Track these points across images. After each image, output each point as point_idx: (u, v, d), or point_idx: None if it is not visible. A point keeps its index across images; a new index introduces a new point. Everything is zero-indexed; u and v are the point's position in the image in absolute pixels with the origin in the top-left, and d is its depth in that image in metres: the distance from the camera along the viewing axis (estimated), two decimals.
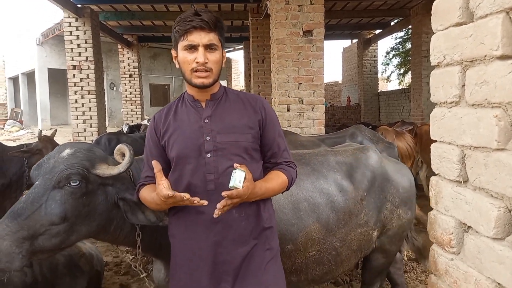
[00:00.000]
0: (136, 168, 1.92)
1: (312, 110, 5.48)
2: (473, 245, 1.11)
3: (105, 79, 13.56)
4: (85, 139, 8.28)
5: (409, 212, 2.51)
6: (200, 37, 1.51)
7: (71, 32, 8.29)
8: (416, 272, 3.87)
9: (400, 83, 19.17)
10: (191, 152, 1.58)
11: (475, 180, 1.09)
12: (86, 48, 8.29)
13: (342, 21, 11.89)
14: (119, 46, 12.75)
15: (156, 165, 1.48)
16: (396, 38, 17.31)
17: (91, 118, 8.42)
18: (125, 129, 8.13)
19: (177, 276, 1.65)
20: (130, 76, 12.86)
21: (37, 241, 1.58)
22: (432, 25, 1.24)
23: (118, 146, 1.80)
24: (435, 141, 1.29)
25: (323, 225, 2.18)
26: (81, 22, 8.25)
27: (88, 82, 8.35)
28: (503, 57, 0.96)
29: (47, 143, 4.45)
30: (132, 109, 12.97)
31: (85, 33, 8.28)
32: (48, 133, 5.32)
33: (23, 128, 18.18)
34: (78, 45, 8.28)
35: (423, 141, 6.42)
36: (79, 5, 8.26)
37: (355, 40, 16.01)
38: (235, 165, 1.45)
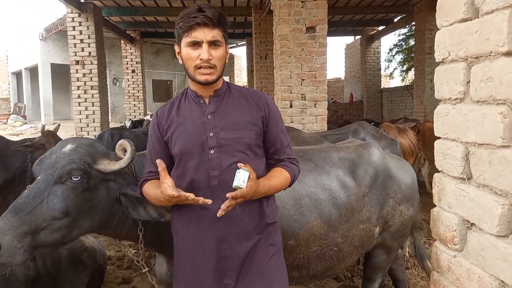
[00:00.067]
0: (138, 164, 1.92)
1: (315, 107, 5.47)
2: (476, 242, 1.11)
3: (108, 75, 13.58)
4: (88, 134, 8.30)
5: (411, 209, 2.50)
6: (204, 34, 1.50)
7: (74, 27, 8.29)
8: (418, 269, 3.87)
9: (403, 80, 19.10)
10: (194, 148, 1.57)
11: (479, 177, 1.09)
12: (89, 43, 8.29)
13: (345, 17, 11.84)
14: (122, 42, 12.74)
15: (160, 164, 1.47)
16: (399, 35, 17.22)
17: (94, 113, 8.43)
18: (127, 124, 8.13)
19: (181, 272, 1.66)
20: (133, 71, 12.86)
21: (39, 235, 1.59)
22: (437, 21, 1.24)
23: (120, 141, 1.80)
24: (438, 138, 1.28)
25: (325, 221, 2.18)
26: (84, 17, 8.25)
27: (91, 78, 8.35)
28: (508, 54, 0.95)
29: (50, 138, 4.47)
30: (134, 105, 12.98)
31: (88, 29, 8.28)
32: (51, 128, 5.32)
33: (26, 123, 18.23)
34: (81, 40, 8.28)
35: (425, 138, 6.40)
36: (82, 0, 8.27)
37: (358, 37, 15.95)
38: (239, 164, 1.44)
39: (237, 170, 1.43)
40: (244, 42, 14.03)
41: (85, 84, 8.35)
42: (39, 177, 1.65)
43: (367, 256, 2.56)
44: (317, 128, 5.44)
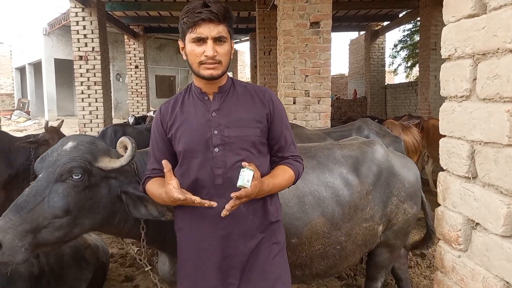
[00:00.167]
0: (140, 161, 1.91)
1: (318, 103, 5.45)
2: (481, 243, 1.10)
3: (111, 70, 13.59)
4: (91, 130, 8.31)
5: (415, 207, 2.49)
6: (209, 30, 1.47)
7: (77, 22, 8.27)
8: (421, 268, 3.86)
9: (407, 76, 19.03)
10: (199, 146, 1.56)
11: (484, 177, 1.07)
12: (92, 38, 8.28)
13: (349, 13, 11.77)
14: (125, 37, 12.75)
15: (166, 165, 1.46)
16: (404, 31, 17.15)
17: (97, 109, 8.43)
18: (131, 120, 8.15)
19: (184, 270, 1.65)
20: (136, 67, 12.86)
21: (40, 234, 1.58)
22: (444, 16, 1.22)
23: (121, 139, 1.80)
24: (443, 135, 1.27)
25: (328, 219, 2.17)
26: (87, 12, 8.23)
27: (95, 73, 8.35)
28: None
29: (53, 134, 4.48)
30: (138, 101, 12.98)
31: (91, 24, 8.26)
32: (54, 124, 5.33)
33: (30, 119, 18.31)
34: (85, 36, 8.27)
35: (429, 135, 6.37)
36: None
37: (362, 32, 15.88)
38: (243, 163, 1.42)
39: (241, 169, 1.42)
40: (248, 38, 14.00)
41: (88, 79, 8.35)
42: (40, 175, 1.65)
43: (370, 254, 2.55)
44: (320, 125, 5.42)
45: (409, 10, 11.46)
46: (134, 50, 12.83)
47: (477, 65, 1.08)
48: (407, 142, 5.17)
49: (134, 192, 1.73)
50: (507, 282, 0.99)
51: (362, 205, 2.26)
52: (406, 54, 17.85)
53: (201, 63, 1.50)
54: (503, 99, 0.98)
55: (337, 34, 17.96)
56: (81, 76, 8.35)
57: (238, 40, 16.50)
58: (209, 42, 1.47)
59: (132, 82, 12.96)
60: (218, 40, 1.49)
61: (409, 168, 2.52)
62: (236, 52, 22.02)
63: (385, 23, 13.58)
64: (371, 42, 14.33)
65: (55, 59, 17.39)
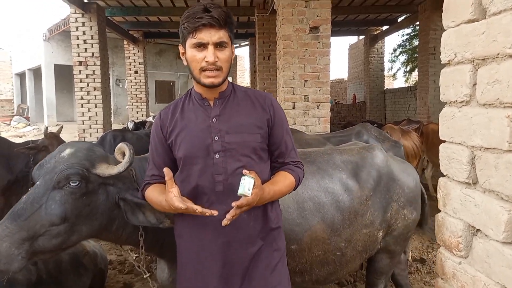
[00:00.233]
0: (139, 167, 1.90)
1: (318, 108, 5.45)
2: (481, 249, 1.09)
3: (111, 75, 13.59)
4: (90, 136, 8.30)
5: (414, 213, 2.48)
6: (210, 35, 1.45)
7: (77, 27, 8.29)
8: (421, 273, 3.84)
9: (406, 81, 19.06)
10: (199, 152, 1.54)
11: (484, 182, 1.07)
12: (92, 44, 8.29)
13: (348, 17, 11.81)
14: (125, 42, 12.77)
15: (167, 173, 1.44)
16: (403, 35, 17.19)
17: (96, 115, 8.43)
18: (130, 126, 8.13)
19: (184, 277, 1.64)
20: (136, 72, 12.87)
21: (37, 242, 1.57)
22: (443, 21, 1.21)
23: (119, 145, 1.78)
24: (443, 140, 1.27)
25: (328, 225, 2.15)
26: (87, 17, 8.25)
27: (94, 79, 8.35)
28: None
29: (53, 139, 4.47)
30: (137, 106, 12.98)
31: (91, 29, 8.28)
32: (54, 129, 5.32)
33: (29, 124, 18.30)
34: (84, 41, 8.28)
35: (429, 140, 6.36)
36: (85, 1, 8.28)
37: (361, 37, 15.92)
38: (244, 171, 1.41)
39: (242, 177, 1.40)
40: (247, 42, 14.02)
41: (88, 85, 8.36)
42: (37, 182, 1.64)
43: (370, 260, 2.53)
44: (320, 130, 5.41)
45: (408, 15, 11.49)
46: (134, 55, 12.85)
47: (477, 70, 1.08)
48: (407, 147, 5.16)
49: (132, 199, 1.72)
50: None
51: (362, 210, 2.25)
52: (405, 59, 17.89)
53: (202, 69, 1.49)
54: (503, 104, 0.98)
55: (336, 38, 18.01)
56: (80, 81, 8.35)
57: (238, 45, 16.52)
58: (210, 47, 1.46)
59: (131, 87, 12.96)
60: (219, 45, 1.48)
61: (408, 173, 2.51)
62: (235, 57, 21.96)
63: (384, 28, 13.62)
64: (370, 47, 14.36)
65: (55, 64, 17.41)
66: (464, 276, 1.16)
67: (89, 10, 8.24)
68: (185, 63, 1.56)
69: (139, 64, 12.85)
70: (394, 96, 14.31)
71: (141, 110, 13.00)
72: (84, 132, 8.41)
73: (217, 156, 1.53)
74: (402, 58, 18.00)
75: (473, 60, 1.09)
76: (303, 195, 2.14)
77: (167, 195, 1.44)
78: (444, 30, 1.23)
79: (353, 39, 18.80)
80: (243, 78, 24.96)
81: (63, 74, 18.38)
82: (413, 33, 16.38)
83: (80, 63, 8.29)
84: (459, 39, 1.14)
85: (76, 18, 8.27)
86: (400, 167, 2.51)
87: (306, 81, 5.38)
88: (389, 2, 10.18)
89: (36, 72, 19.31)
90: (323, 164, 2.32)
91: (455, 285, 1.20)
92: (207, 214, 1.40)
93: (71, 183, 1.61)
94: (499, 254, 1.01)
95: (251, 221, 1.58)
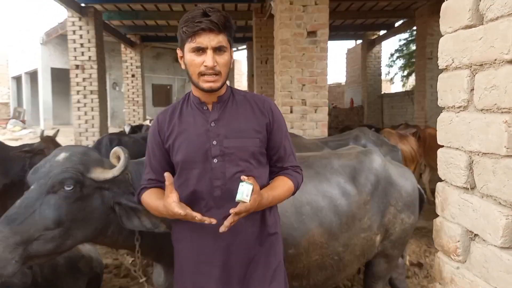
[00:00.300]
0: (135, 171, 1.89)
1: (316, 112, 5.45)
2: (479, 254, 1.09)
3: (108, 79, 13.59)
4: (87, 139, 8.27)
5: (412, 217, 2.48)
6: (209, 40, 1.44)
7: (74, 31, 8.28)
8: (418, 278, 3.84)
9: (403, 85, 19.13)
10: (197, 157, 1.53)
11: (482, 187, 1.07)
12: (89, 47, 8.29)
13: (346, 22, 11.86)
14: (122, 46, 12.74)
15: (168, 177, 1.43)
16: (400, 40, 17.30)
17: (93, 118, 8.41)
18: (127, 129, 8.10)
19: (182, 282, 1.63)
20: (133, 76, 12.86)
21: (31, 246, 1.56)
22: (441, 27, 1.22)
23: (114, 149, 1.78)
24: (440, 145, 1.27)
25: (326, 230, 2.15)
26: (84, 21, 8.25)
27: (91, 82, 8.33)
28: None
29: (49, 143, 4.45)
30: (134, 109, 12.96)
31: (88, 33, 8.27)
32: (50, 133, 5.30)
33: (25, 128, 18.22)
34: (81, 45, 8.28)
35: (426, 145, 6.37)
36: (83, 4, 8.27)
37: (359, 41, 15.98)
38: (242, 177, 1.40)
39: (240, 183, 1.39)
40: (245, 47, 14.04)
41: (84, 88, 8.34)
42: (32, 187, 1.64)
43: (368, 265, 2.54)
44: (317, 134, 5.41)
45: (405, 20, 11.56)
46: (131, 59, 12.83)
47: (474, 75, 1.08)
48: (404, 151, 5.17)
49: (127, 203, 1.71)
50: None
51: (360, 215, 2.25)
52: (402, 63, 17.99)
53: (200, 74, 1.47)
54: (501, 110, 0.98)
55: (333, 43, 18.05)
56: (77, 85, 8.34)
57: (235, 49, 16.54)
58: (209, 52, 1.45)
59: (128, 91, 12.94)
60: (218, 50, 1.47)
61: (406, 177, 2.52)
62: (233, 61, 22.05)
63: (382, 33, 13.68)
64: (368, 51, 14.41)
65: (51, 68, 17.38)
66: (462, 281, 1.16)
67: (86, 14, 8.24)
68: (183, 67, 1.55)
69: (136, 67, 12.84)
70: (392, 100, 14.35)
71: (138, 114, 12.97)
72: (80, 136, 8.39)
73: (215, 160, 1.52)
74: (399, 62, 18.11)
75: (471, 66, 1.09)
76: (301, 199, 2.13)
77: (166, 200, 1.42)
78: (441, 35, 1.23)
79: (350, 43, 18.92)
80: (241, 82, 24.98)
81: (60, 78, 18.32)
82: (410, 38, 16.49)
83: (77, 66, 8.27)
84: (457, 44, 1.14)
85: (73, 22, 8.26)
86: (398, 172, 2.51)
87: (304, 85, 5.39)
88: (386, 7, 10.24)
89: (33, 76, 19.27)
90: (321, 168, 2.32)
91: None
92: (206, 222, 1.39)
93: (65, 188, 1.61)
94: (497, 259, 1.01)
95: (249, 227, 1.57)
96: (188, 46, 1.47)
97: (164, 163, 1.61)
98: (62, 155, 1.70)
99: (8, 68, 22.67)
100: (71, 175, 1.62)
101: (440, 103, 1.24)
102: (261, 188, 1.50)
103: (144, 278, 1.92)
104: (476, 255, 1.10)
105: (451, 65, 1.18)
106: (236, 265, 1.56)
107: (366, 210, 2.28)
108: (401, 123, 8.59)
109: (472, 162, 1.11)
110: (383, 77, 15.84)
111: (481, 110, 1.05)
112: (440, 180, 1.29)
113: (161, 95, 19.95)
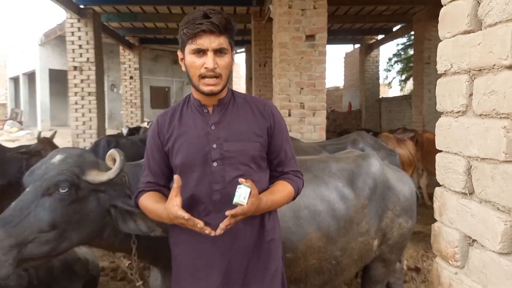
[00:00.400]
0: (132, 174, 1.87)
1: (314, 116, 5.45)
2: (478, 259, 1.08)
3: (106, 81, 13.57)
4: (84, 141, 8.25)
5: (410, 221, 2.47)
6: (210, 41, 1.42)
7: (73, 33, 8.27)
8: (416, 282, 3.83)
9: (401, 90, 19.19)
10: (197, 160, 1.51)
11: (481, 193, 1.07)
12: (87, 49, 8.28)
13: (344, 26, 11.89)
14: (121, 48, 12.75)
15: (177, 180, 1.41)
16: (398, 44, 17.37)
17: (90, 120, 8.38)
18: (124, 131, 8.08)
19: (179, 286, 1.61)
20: (131, 78, 12.85)
21: (25, 248, 1.55)
22: (439, 32, 1.22)
23: (110, 151, 1.77)
24: (438, 150, 1.27)
25: (324, 234, 2.14)
26: (83, 23, 8.24)
27: (89, 84, 8.32)
28: None
29: (46, 144, 4.44)
30: (132, 111, 12.94)
31: (87, 34, 8.26)
32: (47, 134, 5.29)
33: (22, 129, 18.16)
34: (80, 46, 8.27)
35: (424, 149, 6.39)
36: (81, 6, 8.26)
37: (357, 45, 16.03)
38: (240, 180, 1.38)
39: (238, 186, 1.37)
40: (243, 50, 14.05)
41: (82, 90, 8.32)
42: (27, 189, 1.62)
43: (365, 269, 2.53)
44: (315, 137, 5.41)
45: (403, 24, 11.60)
46: (129, 60, 12.83)
47: (473, 80, 1.08)
48: (402, 156, 5.18)
49: (122, 206, 1.70)
50: None
51: (357, 219, 2.25)
52: (400, 68, 18.05)
53: (201, 76, 1.46)
54: (500, 115, 0.98)
55: (332, 46, 18.10)
56: (75, 86, 8.32)
57: (234, 51, 16.57)
58: (210, 54, 1.43)
59: (126, 92, 12.93)
60: (218, 52, 1.45)
61: (404, 181, 2.52)
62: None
63: (380, 37, 13.73)
64: (366, 56, 14.46)
65: (49, 69, 17.36)
66: (460, 286, 1.15)
67: (85, 15, 8.23)
68: (184, 69, 1.53)
69: (135, 69, 12.84)
70: (390, 104, 14.39)
71: (136, 116, 12.95)
72: (78, 137, 8.36)
73: (215, 164, 1.50)
74: (397, 67, 18.17)
75: (469, 71, 1.09)
76: (299, 203, 2.12)
77: (168, 203, 1.40)
78: (439, 40, 1.23)
79: (349, 47, 18.95)
80: (239, 85, 24.98)
81: (58, 79, 18.30)
82: (408, 43, 16.55)
83: (75, 68, 8.26)
84: (455, 49, 1.14)
85: (72, 23, 8.25)
86: (396, 176, 2.51)
87: (302, 88, 5.39)
88: (384, 11, 10.28)
89: (31, 77, 19.24)
90: (319, 172, 2.31)
91: None
92: (206, 232, 1.37)
93: (60, 190, 1.60)
94: (496, 265, 1.00)
95: (248, 231, 1.55)
96: (189, 48, 1.46)
97: (163, 166, 1.60)
98: (57, 157, 1.69)
99: (6, 69, 22.63)
100: (66, 178, 1.61)
101: (439, 108, 1.24)
102: (261, 193, 1.49)
103: (141, 282, 1.90)
104: (474, 261, 1.10)
105: (449, 70, 1.18)
106: (235, 270, 1.54)
107: (364, 214, 2.27)
108: (399, 127, 8.60)
109: (471, 167, 1.11)
110: (381, 81, 15.90)
111: (480, 115, 1.05)
112: (438, 185, 1.29)
113: (159, 97, 19.93)
